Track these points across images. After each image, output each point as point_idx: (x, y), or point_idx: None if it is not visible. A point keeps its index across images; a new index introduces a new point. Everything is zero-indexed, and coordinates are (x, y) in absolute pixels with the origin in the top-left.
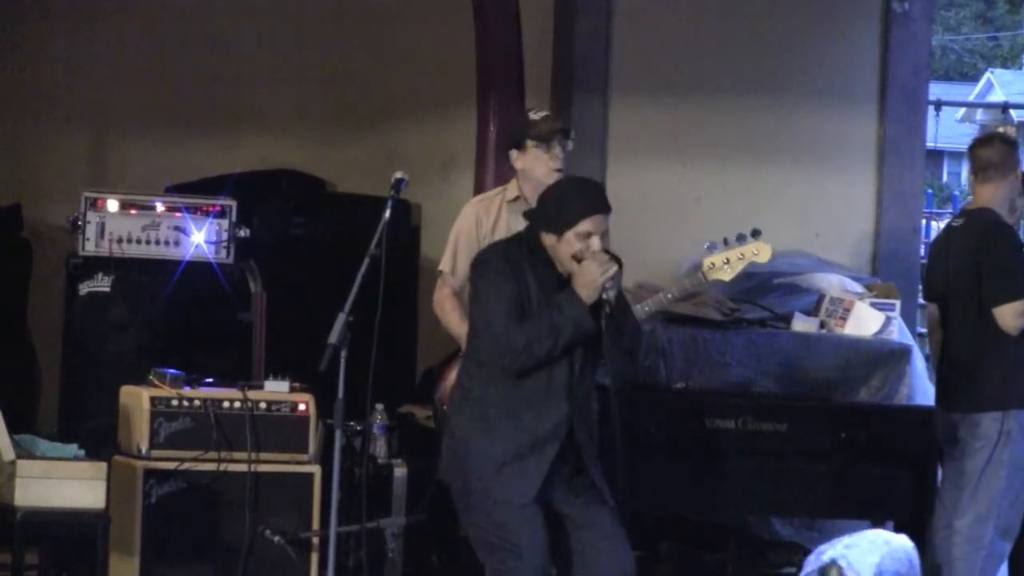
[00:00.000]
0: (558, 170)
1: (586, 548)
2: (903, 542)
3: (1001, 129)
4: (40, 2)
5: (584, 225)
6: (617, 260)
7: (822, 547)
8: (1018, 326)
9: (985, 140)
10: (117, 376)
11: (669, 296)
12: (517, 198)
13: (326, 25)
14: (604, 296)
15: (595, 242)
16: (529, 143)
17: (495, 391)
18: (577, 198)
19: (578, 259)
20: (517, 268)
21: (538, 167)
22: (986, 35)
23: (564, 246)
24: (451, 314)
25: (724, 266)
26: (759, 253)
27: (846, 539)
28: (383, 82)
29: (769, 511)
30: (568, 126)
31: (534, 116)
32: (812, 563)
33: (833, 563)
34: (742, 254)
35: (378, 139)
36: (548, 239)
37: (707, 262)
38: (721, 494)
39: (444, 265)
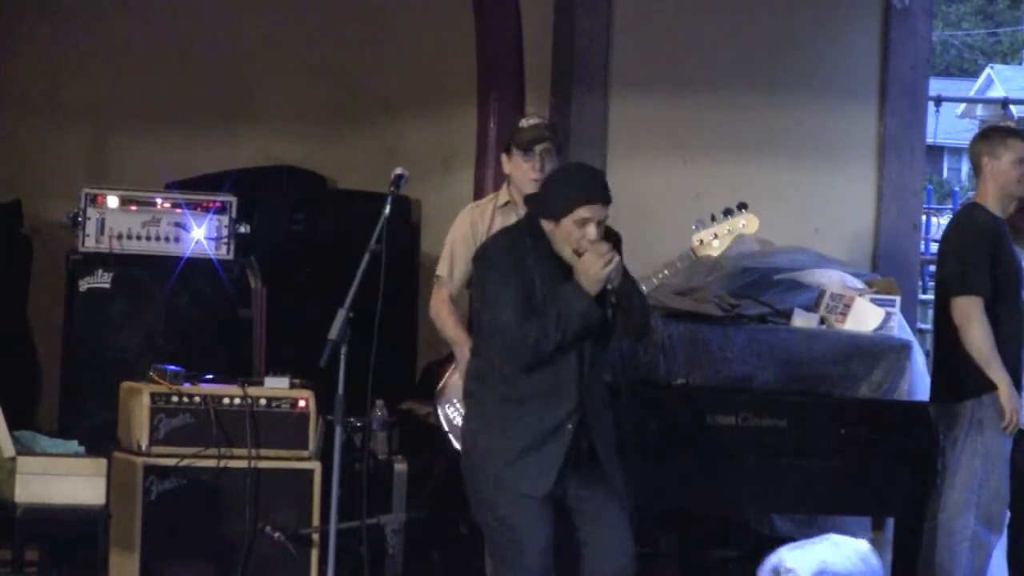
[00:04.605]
0: (536, 180)
1: (592, 547)
2: (856, 545)
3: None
4: None
5: (580, 212)
6: (616, 237)
7: (770, 556)
8: (962, 325)
9: (975, 136)
10: (117, 372)
11: (659, 276)
12: (508, 203)
13: (327, 21)
14: (608, 286)
15: (591, 230)
16: (514, 149)
17: (506, 388)
18: (574, 185)
19: (579, 253)
20: (519, 259)
21: (518, 174)
22: (986, 31)
23: (561, 232)
24: (447, 319)
25: (713, 241)
26: (748, 225)
27: (791, 545)
28: (384, 78)
29: (769, 507)
30: (554, 134)
31: (524, 123)
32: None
33: (774, 568)
34: (730, 228)
35: (378, 135)
36: (547, 225)
37: (695, 239)
38: (721, 490)
39: (441, 271)
